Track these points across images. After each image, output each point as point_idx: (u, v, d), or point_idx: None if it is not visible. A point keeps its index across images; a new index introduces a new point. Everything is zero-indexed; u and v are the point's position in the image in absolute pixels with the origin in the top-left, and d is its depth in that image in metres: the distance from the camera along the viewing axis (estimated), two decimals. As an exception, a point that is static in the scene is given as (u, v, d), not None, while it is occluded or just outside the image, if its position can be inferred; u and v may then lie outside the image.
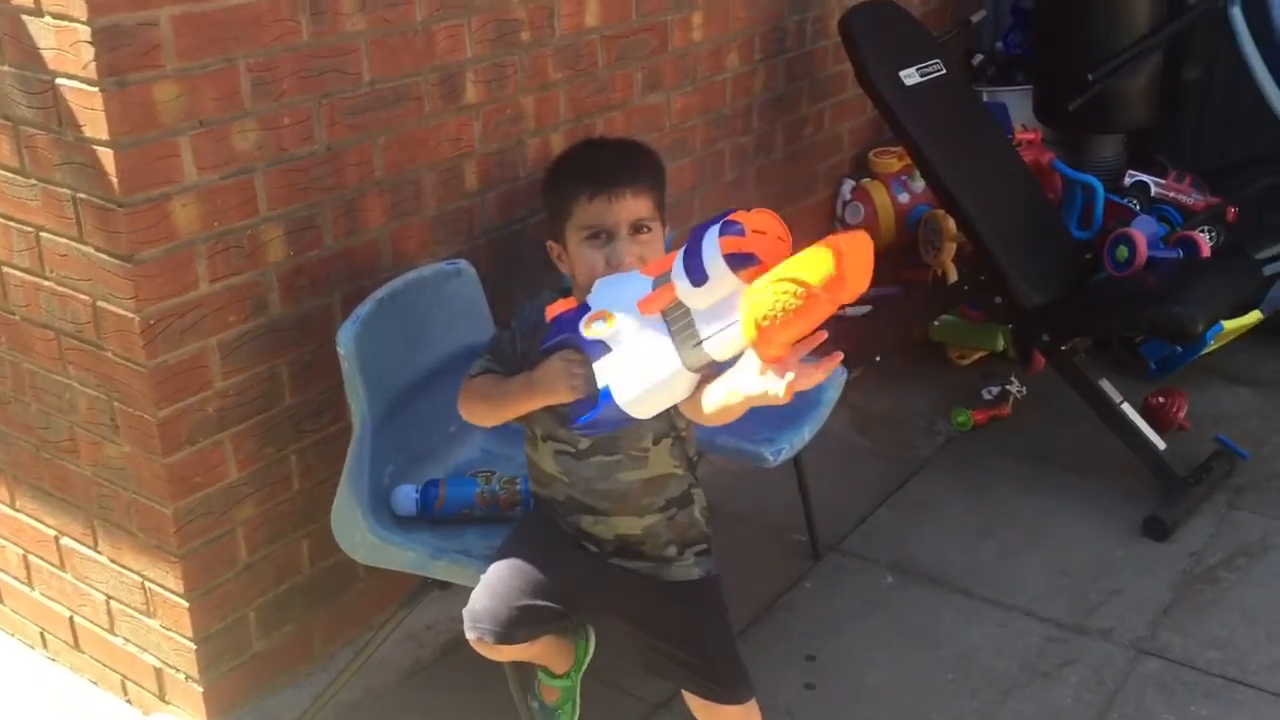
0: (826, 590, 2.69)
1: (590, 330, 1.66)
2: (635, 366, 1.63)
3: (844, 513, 2.94)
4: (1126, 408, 3.02)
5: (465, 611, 1.93)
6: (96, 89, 1.84)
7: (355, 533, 2.10)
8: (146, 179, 1.92)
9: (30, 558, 2.43)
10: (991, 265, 3.07)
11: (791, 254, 1.47)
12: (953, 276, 3.46)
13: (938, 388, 3.50)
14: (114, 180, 1.89)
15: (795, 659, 2.48)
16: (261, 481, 2.22)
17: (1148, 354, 3.50)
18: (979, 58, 4.04)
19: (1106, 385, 3.04)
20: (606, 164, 1.80)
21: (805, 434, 2.43)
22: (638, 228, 1.75)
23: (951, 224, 3.35)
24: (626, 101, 2.78)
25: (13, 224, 2.09)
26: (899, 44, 3.16)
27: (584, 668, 2.25)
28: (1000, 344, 3.51)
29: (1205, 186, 3.62)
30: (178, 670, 2.25)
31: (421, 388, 2.24)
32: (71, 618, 2.41)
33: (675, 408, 1.69)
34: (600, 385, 1.65)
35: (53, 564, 2.39)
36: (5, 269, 2.15)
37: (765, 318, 1.44)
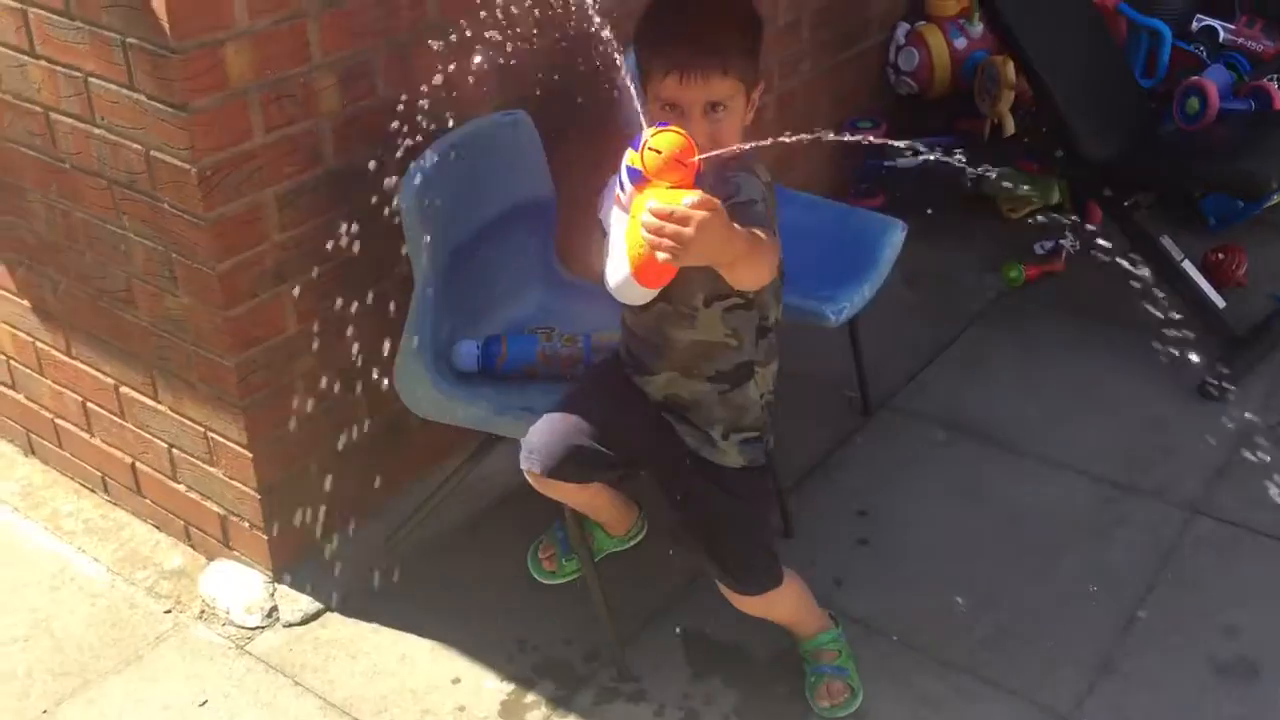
0: (878, 446, 2.70)
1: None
2: (612, 256, 1.72)
3: (895, 369, 2.92)
4: (1187, 265, 2.96)
5: (522, 441, 1.97)
6: (144, -75, 1.75)
7: (418, 388, 2.10)
8: (198, 24, 1.84)
9: (89, 405, 2.45)
10: (1055, 116, 2.97)
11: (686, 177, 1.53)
12: (1010, 128, 3.35)
13: (988, 242, 3.44)
14: (165, 24, 1.81)
15: (847, 514, 2.51)
16: (320, 335, 2.21)
17: (1207, 209, 3.42)
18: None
19: (1167, 242, 2.98)
20: (687, 35, 1.70)
21: (866, 292, 2.40)
22: (712, 106, 1.72)
23: (1011, 71, 3.23)
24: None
25: (59, 68, 2.02)
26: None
27: (632, 543, 2.32)
28: (1055, 197, 3.43)
29: (1276, 32, 3.47)
30: (242, 518, 2.29)
31: (479, 242, 2.21)
32: (133, 464, 2.44)
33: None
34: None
35: (112, 412, 2.40)
36: (53, 115, 2.09)
37: (635, 257, 1.57)
